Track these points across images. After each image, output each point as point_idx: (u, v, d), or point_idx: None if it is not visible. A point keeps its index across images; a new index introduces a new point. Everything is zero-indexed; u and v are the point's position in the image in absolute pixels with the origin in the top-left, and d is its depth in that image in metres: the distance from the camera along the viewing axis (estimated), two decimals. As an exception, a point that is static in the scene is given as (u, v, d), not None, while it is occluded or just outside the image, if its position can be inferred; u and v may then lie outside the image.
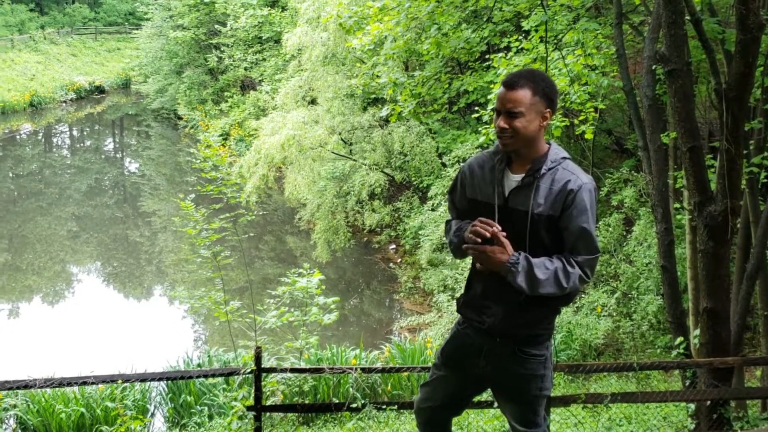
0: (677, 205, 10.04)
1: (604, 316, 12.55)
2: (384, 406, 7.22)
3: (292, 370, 7.72)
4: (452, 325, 4.10)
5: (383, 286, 18.92)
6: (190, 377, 9.02)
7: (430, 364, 7.59)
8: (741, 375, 8.03)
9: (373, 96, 20.11)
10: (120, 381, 7.95)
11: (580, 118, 10.40)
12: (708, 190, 6.37)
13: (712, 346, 6.71)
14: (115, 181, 31.43)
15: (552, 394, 3.91)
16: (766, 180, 8.25)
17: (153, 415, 9.96)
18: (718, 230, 6.27)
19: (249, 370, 6.85)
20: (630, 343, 12.10)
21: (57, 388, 8.91)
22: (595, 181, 3.63)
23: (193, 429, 8.87)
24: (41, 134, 39.40)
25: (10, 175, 31.26)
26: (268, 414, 8.11)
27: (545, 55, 9.23)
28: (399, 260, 19.58)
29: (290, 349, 8.92)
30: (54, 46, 51.95)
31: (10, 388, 7.76)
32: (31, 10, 58.95)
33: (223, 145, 28.41)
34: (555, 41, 10.10)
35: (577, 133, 10.60)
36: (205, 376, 9.19)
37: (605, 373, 10.60)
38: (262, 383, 6.90)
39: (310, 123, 20.27)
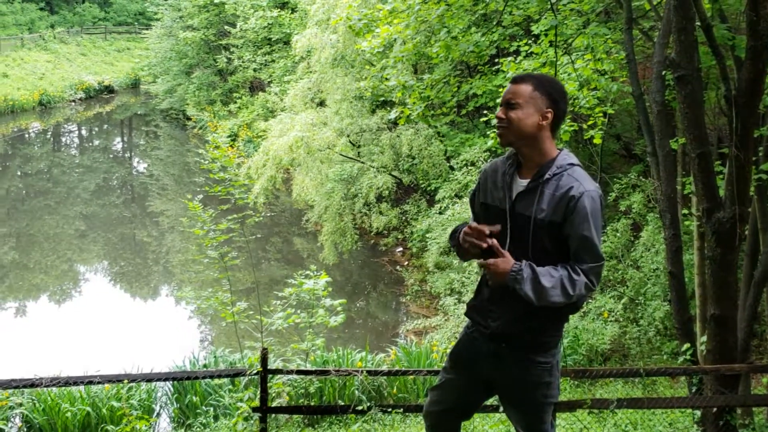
0: (685, 211, 10.02)
1: (610, 321, 12.52)
2: (389, 409, 7.22)
3: (298, 372, 7.73)
4: (461, 328, 4.11)
5: (390, 289, 18.91)
6: (196, 378, 9.03)
7: (436, 368, 7.58)
8: (748, 382, 8.01)
9: (381, 98, 20.08)
10: (126, 381, 7.96)
11: (589, 122, 10.39)
12: (717, 197, 6.36)
13: (719, 352, 6.69)
14: (123, 181, 31.50)
15: (558, 400, 3.90)
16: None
17: (158, 415, 9.97)
18: (727, 237, 6.25)
19: (255, 372, 6.86)
20: (636, 349, 12.07)
21: (63, 387, 8.92)
22: (603, 186, 3.63)
23: (198, 429, 8.87)
24: (50, 133, 39.52)
25: (19, 173, 31.35)
26: (273, 415, 8.12)
27: (554, 59, 9.22)
28: (406, 263, 19.57)
29: (296, 350, 8.92)
30: (64, 46, 52.13)
31: (17, 387, 7.78)
32: (41, 9, 59.20)
33: (231, 146, 28.40)
34: (565, 46, 10.10)
35: (585, 137, 10.60)
36: (211, 377, 9.19)
37: (611, 379, 10.57)
38: (268, 385, 6.91)
39: (319, 125, 20.29)
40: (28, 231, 23.18)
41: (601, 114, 10.14)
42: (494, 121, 3.70)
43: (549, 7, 9.11)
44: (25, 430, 8.92)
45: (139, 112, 45.62)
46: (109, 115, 44.86)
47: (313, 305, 8.70)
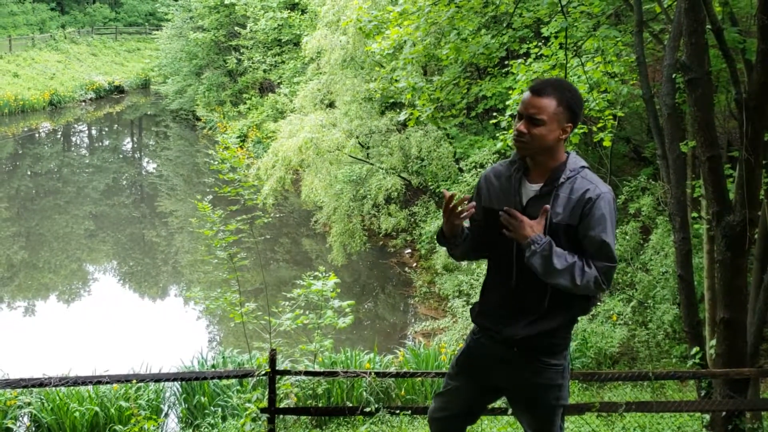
0: (695, 215, 9.99)
1: (619, 324, 12.49)
2: (397, 411, 7.22)
3: (306, 373, 7.73)
4: (467, 332, 4.09)
5: (398, 291, 18.90)
6: (205, 378, 9.03)
7: (444, 370, 7.57)
8: (757, 386, 7.98)
9: (391, 100, 20.11)
10: (134, 381, 7.96)
11: (599, 125, 10.37)
12: (726, 200, 6.34)
13: (728, 356, 6.67)
14: (132, 181, 31.58)
15: (568, 402, 3.90)
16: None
17: (167, 415, 9.98)
18: (736, 240, 6.23)
19: (263, 373, 6.87)
20: (645, 352, 12.03)
21: (72, 387, 8.93)
22: (613, 189, 3.61)
23: (206, 430, 8.88)
24: (60, 133, 39.64)
25: (29, 173, 31.45)
26: (281, 416, 8.12)
27: (564, 61, 9.21)
28: (414, 264, 19.56)
29: (304, 351, 8.91)
30: (74, 46, 52.32)
31: (25, 386, 7.81)
32: (52, 9, 59.48)
33: (240, 146, 28.45)
34: (575, 48, 10.09)
35: (595, 140, 10.57)
36: (220, 378, 9.19)
37: (620, 382, 10.55)
38: (276, 385, 6.92)
39: (328, 126, 20.28)
40: (38, 230, 23.25)
41: (610, 116, 10.13)
42: (512, 133, 3.66)
43: (559, 9, 9.09)
44: (34, 429, 8.94)
45: (149, 113, 45.74)
46: (119, 115, 44.99)
47: (321, 306, 8.70)
